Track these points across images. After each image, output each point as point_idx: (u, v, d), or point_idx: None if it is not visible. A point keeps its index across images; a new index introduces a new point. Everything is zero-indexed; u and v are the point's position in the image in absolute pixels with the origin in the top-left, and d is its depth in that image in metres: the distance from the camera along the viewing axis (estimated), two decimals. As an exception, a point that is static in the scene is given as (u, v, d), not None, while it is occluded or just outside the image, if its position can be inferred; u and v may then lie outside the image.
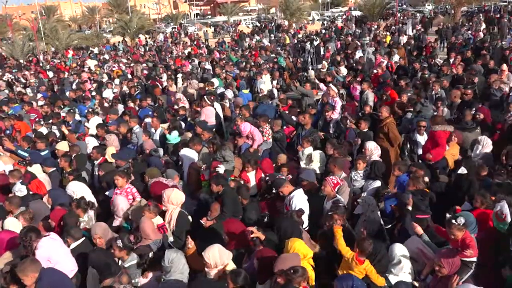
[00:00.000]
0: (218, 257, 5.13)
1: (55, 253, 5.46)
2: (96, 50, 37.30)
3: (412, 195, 5.90)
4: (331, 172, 7.31)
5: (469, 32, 26.36)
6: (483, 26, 30.46)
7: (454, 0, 37.49)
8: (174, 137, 9.95)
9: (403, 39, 23.49)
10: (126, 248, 5.46)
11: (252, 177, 7.97)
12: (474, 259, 4.84)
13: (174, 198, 6.69)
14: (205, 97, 11.28)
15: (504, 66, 14.25)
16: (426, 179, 6.54)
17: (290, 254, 5.00)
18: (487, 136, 9.04)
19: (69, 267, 5.41)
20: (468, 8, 45.53)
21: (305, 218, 6.40)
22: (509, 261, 5.18)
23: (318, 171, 8.22)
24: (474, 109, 10.06)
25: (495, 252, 5.41)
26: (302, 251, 5.15)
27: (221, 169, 7.67)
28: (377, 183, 7.27)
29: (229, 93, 14.23)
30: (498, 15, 33.95)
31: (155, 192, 7.15)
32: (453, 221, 4.90)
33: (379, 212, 6.43)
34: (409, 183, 6.31)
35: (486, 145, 8.24)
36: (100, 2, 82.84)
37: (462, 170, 6.86)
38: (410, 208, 5.86)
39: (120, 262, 5.57)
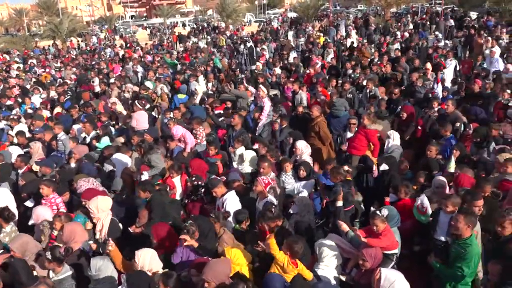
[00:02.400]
0: (148, 261, 5.10)
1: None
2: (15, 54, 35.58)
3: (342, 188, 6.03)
4: (261, 172, 7.36)
5: (398, 32, 27.44)
6: (411, 26, 31.85)
7: (384, 2, 38.92)
8: (104, 143, 9.67)
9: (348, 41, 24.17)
10: (56, 260, 5.25)
11: (177, 182, 7.84)
12: (396, 251, 5.06)
13: (103, 205, 6.48)
14: (136, 101, 11.04)
15: (428, 65, 15.04)
16: (346, 167, 6.75)
17: (220, 260, 4.97)
18: (412, 132, 9.60)
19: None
20: (397, 9, 47.47)
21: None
22: (434, 249, 5.49)
23: (248, 171, 8.27)
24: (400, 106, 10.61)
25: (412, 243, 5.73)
26: (242, 259, 5.17)
27: (145, 175, 7.53)
28: (311, 184, 7.37)
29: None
30: (424, 16, 35.57)
31: (88, 198, 6.89)
32: (377, 212, 5.14)
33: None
34: (331, 177, 6.48)
35: (395, 138, 8.74)
36: (28, 4, 79.06)
37: (384, 167, 7.16)
38: (340, 203, 5.96)
39: (51, 274, 5.35)
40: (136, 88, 15.69)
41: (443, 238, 5.56)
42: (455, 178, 6.34)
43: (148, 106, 11.93)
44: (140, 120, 10.72)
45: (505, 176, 6.43)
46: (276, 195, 6.85)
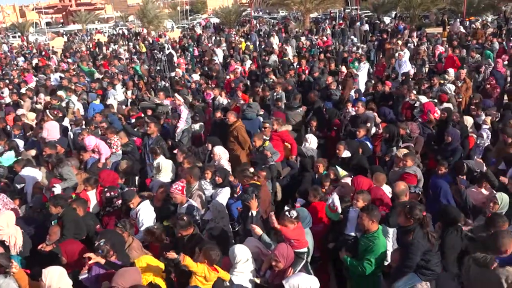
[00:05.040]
0: (56, 281, 4.82)
1: None
2: None
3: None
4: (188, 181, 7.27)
5: (315, 37, 28.24)
6: (328, 31, 32.95)
7: (303, 7, 39.98)
8: (7, 158, 9.12)
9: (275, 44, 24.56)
10: None
11: (92, 195, 7.55)
12: (305, 249, 5.19)
13: (10, 219, 6.18)
14: (47, 111, 10.53)
15: (343, 68, 15.66)
16: (251, 169, 6.85)
17: (130, 268, 4.85)
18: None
19: None
20: (317, 15, 49.00)
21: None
22: (345, 244, 5.72)
23: (167, 180, 8.15)
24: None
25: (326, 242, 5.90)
26: (154, 266, 5.08)
27: (57, 189, 7.20)
28: (227, 190, 7.32)
29: (79, 105, 13.49)
30: (342, 22, 36.91)
31: None
32: (286, 213, 5.25)
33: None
34: (238, 179, 6.54)
35: (312, 142, 9.03)
36: None
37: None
38: (254, 212, 5.91)
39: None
40: (48, 98, 14.93)
41: (353, 233, 5.82)
42: (353, 181, 6.57)
43: (60, 115, 11.41)
44: (51, 130, 10.22)
45: (405, 170, 6.87)
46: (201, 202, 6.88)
